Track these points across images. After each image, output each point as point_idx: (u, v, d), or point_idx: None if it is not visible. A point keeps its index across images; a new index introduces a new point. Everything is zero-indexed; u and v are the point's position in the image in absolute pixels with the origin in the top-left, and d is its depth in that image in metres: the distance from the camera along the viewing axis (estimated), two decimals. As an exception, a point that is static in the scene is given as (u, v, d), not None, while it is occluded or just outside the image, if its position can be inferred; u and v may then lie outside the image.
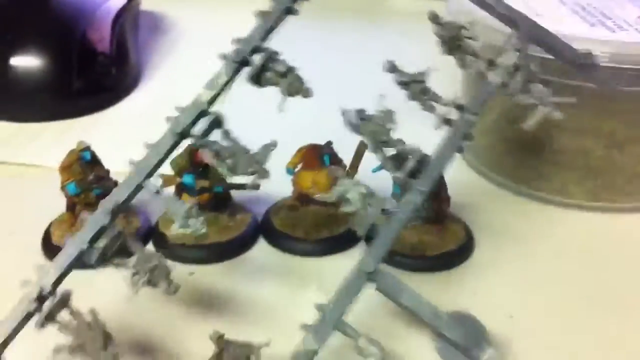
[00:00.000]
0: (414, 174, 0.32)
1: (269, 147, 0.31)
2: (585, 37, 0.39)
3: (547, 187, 0.42)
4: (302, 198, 0.40)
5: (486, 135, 0.45)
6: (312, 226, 0.40)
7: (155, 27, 0.73)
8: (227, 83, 0.33)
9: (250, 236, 0.40)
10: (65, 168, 0.38)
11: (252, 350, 0.28)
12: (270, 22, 0.34)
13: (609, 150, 0.40)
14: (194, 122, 0.32)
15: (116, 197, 0.30)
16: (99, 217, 0.29)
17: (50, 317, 0.28)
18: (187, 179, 0.38)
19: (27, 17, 0.56)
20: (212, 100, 0.32)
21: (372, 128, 0.33)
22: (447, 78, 0.39)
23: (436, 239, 0.39)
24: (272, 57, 0.33)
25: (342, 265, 0.38)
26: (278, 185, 0.38)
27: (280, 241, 0.40)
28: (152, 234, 0.40)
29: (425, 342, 0.32)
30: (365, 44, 0.69)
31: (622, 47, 0.38)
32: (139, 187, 0.31)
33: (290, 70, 0.32)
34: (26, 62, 0.54)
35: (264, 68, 0.33)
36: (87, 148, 0.38)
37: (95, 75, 0.56)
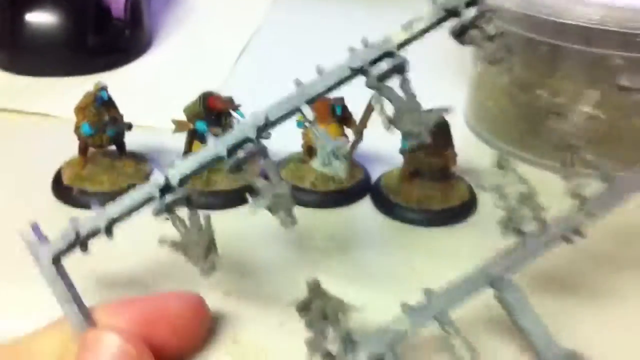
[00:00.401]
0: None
1: (440, 111, 0.30)
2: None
3: (547, 154, 0.43)
4: (311, 152, 0.41)
5: (493, 101, 0.46)
6: (318, 179, 0.41)
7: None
8: (425, 30, 0.30)
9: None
10: (81, 109, 0.39)
11: (343, 308, 0.27)
12: None
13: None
14: (375, 61, 0.29)
15: (270, 113, 0.29)
16: (245, 127, 0.29)
17: (168, 208, 0.28)
18: (200, 125, 0.39)
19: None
20: (403, 43, 0.29)
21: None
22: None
23: (441, 194, 0.39)
24: (486, 15, 0.29)
25: (346, 217, 0.40)
26: (289, 139, 0.39)
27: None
28: None
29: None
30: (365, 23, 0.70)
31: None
32: (294, 110, 0.29)
33: (499, 35, 0.29)
34: (44, 18, 0.55)
35: (472, 24, 0.29)
36: (104, 88, 0.39)
37: (109, 35, 0.58)
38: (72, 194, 0.39)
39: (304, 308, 0.26)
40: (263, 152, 0.29)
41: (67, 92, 0.52)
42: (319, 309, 0.26)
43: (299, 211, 0.39)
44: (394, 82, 0.30)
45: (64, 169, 0.41)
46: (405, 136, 0.30)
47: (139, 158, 0.42)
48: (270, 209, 0.29)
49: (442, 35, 0.30)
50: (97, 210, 0.28)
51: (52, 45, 0.55)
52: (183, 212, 0.29)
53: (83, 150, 0.40)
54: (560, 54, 0.41)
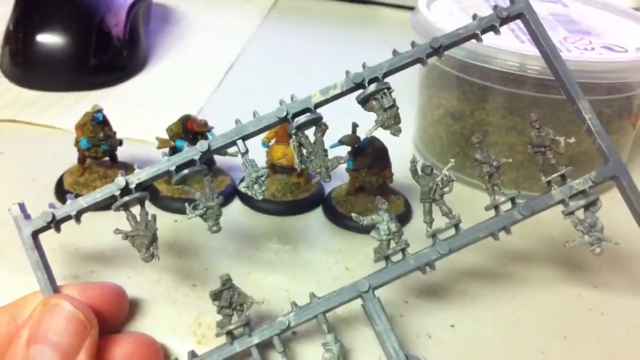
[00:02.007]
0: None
1: (339, 160, 0.38)
2: (516, 51, 0.47)
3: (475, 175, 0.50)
4: (273, 167, 0.49)
5: (433, 127, 0.53)
6: (279, 191, 0.48)
7: (166, 18, 0.82)
8: (338, 95, 0.37)
9: (229, 194, 0.48)
10: (80, 126, 0.47)
11: (246, 300, 0.35)
12: (398, 63, 0.37)
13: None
14: (297, 114, 0.37)
15: (212, 143, 0.37)
16: (192, 152, 0.36)
17: (125, 206, 0.36)
18: (180, 143, 0.46)
19: (54, 0, 0.65)
20: (319, 104, 0.37)
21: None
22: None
23: (379, 207, 0.47)
24: (383, 90, 0.37)
25: (300, 224, 0.47)
26: (255, 155, 0.47)
27: (252, 201, 0.48)
28: (235, 193, 0.49)
29: None
30: (348, 47, 0.78)
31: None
32: (232, 143, 0.37)
33: (392, 107, 0.37)
34: (51, 39, 0.62)
35: (372, 96, 0.37)
36: (100, 110, 0.46)
37: (109, 55, 0.65)
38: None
39: (216, 297, 0.35)
40: (204, 171, 0.37)
41: (72, 106, 0.60)
42: (227, 298, 0.34)
43: (261, 218, 0.48)
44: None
45: (65, 175, 0.48)
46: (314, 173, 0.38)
47: (128, 168, 0.49)
48: (202, 217, 0.37)
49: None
50: (71, 200, 0.36)
51: (58, 64, 0.62)
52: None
53: (81, 160, 0.48)
54: (486, 92, 0.49)
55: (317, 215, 0.48)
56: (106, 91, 0.64)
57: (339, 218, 0.47)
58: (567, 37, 0.50)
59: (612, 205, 0.40)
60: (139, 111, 0.61)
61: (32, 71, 0.63)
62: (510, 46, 0.47)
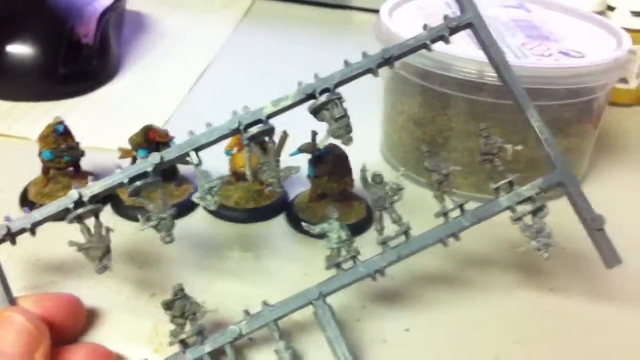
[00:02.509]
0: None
1: (292, 170, 0.38)
2: (474, 59, 0.47)
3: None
4: (236, 175, 0.49)
5: (398, 133, 0.54)
6: (242, 198, 0.49)
7: (139, 25, 0.82)
8: (290, 106, 0.38)
9: (192, 203, 0.48)
10: (43, 138, 0.47)
11: (199, 309, 0.36)
12: (350, 74, 0.38)
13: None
14: (249, 125, 0.38)
15: (165, 155, 0.37)
16: (145, 164, 0.37)
17: (79, 218, 0.37)
18: (142, 153, 0.47)
19: (23, 11, 0.65)
20: (271, 115, 0.38)
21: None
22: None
23: (341, 213, 0.47)
24: (334, 101, 0.38)
25: (262, 231, 0.48)
26: (218, 163, 0.47)
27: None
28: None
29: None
30: (323, 52, 0.78)
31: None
32: (185, 155, 0.37)
33: (343, 117, 0.38)
34: (21, 50, 0.63)
35: (324, 106, 0.38)
36: (61, 122, 0.46)
37: (79, 64, 0.65)
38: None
39: (168, 307, 0.35)
40: (157, 183, 0.37)
41: (42, 116, 0.60)
42: (179, 307, 0.35)
43: (224, 225, 0.48)
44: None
45: (29, 186, 0.49)
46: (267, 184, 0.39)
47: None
48: (155, 228, 0.37)
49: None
50: (26, 213, 0.37)
51: (28, 74, 0.63)
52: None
53: (45, 171, 0.48)
54: (447, 98, 0.49)
55: (279, 222, 0.49)
56: (77, 100, 0.64)
57: (300, 225, 0.47)
58: (526, 42, 0.51)
59: (568, 208, 0.40)
60: (108, 120, 0.61)
61: (3, 81, 0.63)
62: (469, 53, 0.47)
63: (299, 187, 0.51)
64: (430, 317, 0.41)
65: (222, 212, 0.48)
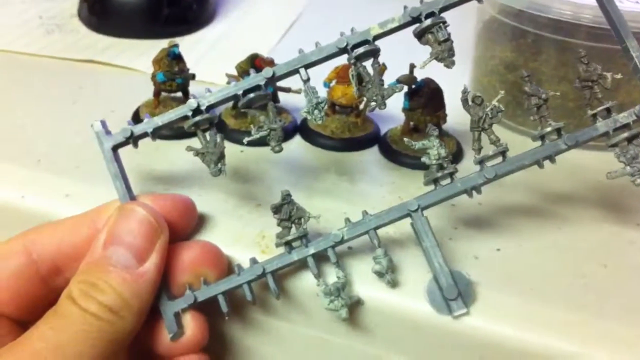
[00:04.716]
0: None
1: (395, 89, 0.40)
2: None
3: (527, 122, 0.53)
4: (333, 106, 0.52)
5: (487, 77, 0.56)
6: (337, 128, 0.51)
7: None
8: (396, 28, 0.40)
9: (291, 131, 0.52)
10: (157, 61, 0.50)
11: (304, 214, 0.38)
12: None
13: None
14: (356, 46, 0.39)
15: (277, 70, 0.39)
16: (258, 77, 0.39)
17: (196, 125, 0.40)
18: (247, 79, 0.50)
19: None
20: (377, 36, 0.39)
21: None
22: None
23: (433, 146, 0.49)
24: (439, 24, 0.39)
25: (357, 160, 0.50)
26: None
27: (312, 137, 0.51)
28: (296, 130, 0.52)
29: (422, 278, 0.39)
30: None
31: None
32: (294, 71, 0.39)
33: (446, 40, 0.39)
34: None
35: (428, 30, 0.39)
36: (176, 45, 0.50)
37: (181, 7, 0.70)
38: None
39: (276, 210, 0.38)
40: (269, 96, 0.40)
41: (144, 52, 0.64)
42: (287, 212, 0.38)
43: (320, 152, 0.51)
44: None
45: (141, 108, 0.52)
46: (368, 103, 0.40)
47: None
48: (266, 138, 0.40)
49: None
50: (147, 119, 0.40)
51: (133, 13, 0.68)
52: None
53: (156, 93, 0.51)
54: (539, 43, 0.51)
55: (372, 153, 0.51)
56: (176, 40, 0.67)
57: (394, 155, 0.49)
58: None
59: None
60: (207, 58, 0.64)
61: (109, 20, 0.68)
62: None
63: (392, 123, 0.53)
64: (519, 240, 0.42)
65: (318, 140, 0.51)
